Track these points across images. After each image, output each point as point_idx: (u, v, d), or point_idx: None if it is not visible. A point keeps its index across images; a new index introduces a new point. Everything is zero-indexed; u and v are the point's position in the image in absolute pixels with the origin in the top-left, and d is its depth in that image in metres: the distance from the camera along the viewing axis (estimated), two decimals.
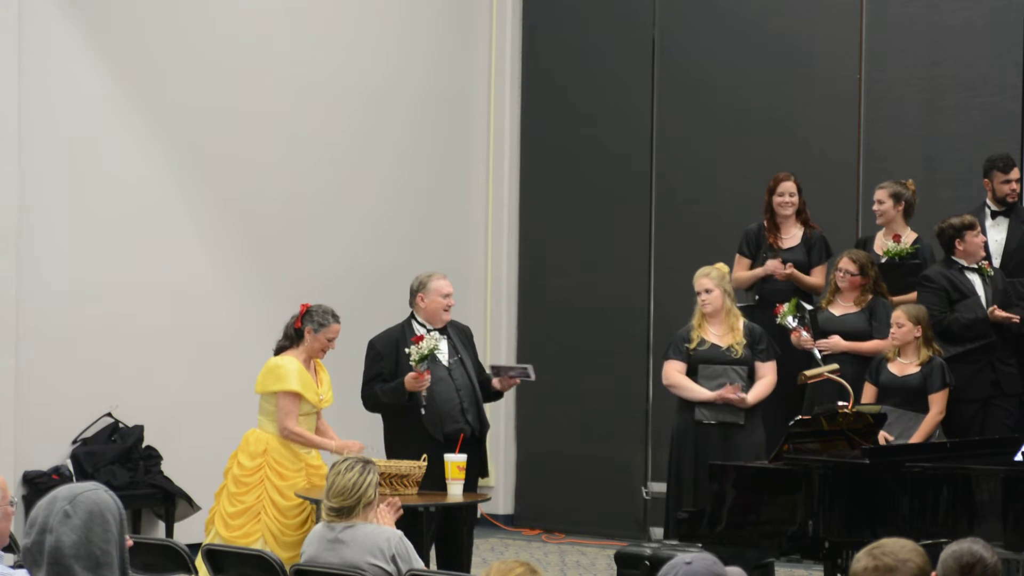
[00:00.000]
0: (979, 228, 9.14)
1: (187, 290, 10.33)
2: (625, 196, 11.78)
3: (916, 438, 8.56)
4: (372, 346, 8.45)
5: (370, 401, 8.44)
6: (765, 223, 9.76)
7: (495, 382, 8.53)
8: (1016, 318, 8.95)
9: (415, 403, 8.27)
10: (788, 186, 9.70)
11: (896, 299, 9.28)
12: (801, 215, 9.76)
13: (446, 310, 8.42)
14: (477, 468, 8.39)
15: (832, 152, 10.93)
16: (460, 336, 8.57)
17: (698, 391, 8.57)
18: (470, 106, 12.25)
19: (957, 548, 4.10)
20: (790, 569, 9.60)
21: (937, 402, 8.70)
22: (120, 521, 3.61)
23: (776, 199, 9.70)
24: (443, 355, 8.41)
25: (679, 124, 11.58)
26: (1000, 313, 8.94)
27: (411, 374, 8.17)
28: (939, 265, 9.20)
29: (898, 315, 8.79)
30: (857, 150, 10.84)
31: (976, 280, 9.11)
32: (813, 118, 11.06)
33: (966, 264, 9.11)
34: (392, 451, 8.40)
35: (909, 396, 8.69)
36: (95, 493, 3.58)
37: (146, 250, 10.12)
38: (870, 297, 9.17)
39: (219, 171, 10.57)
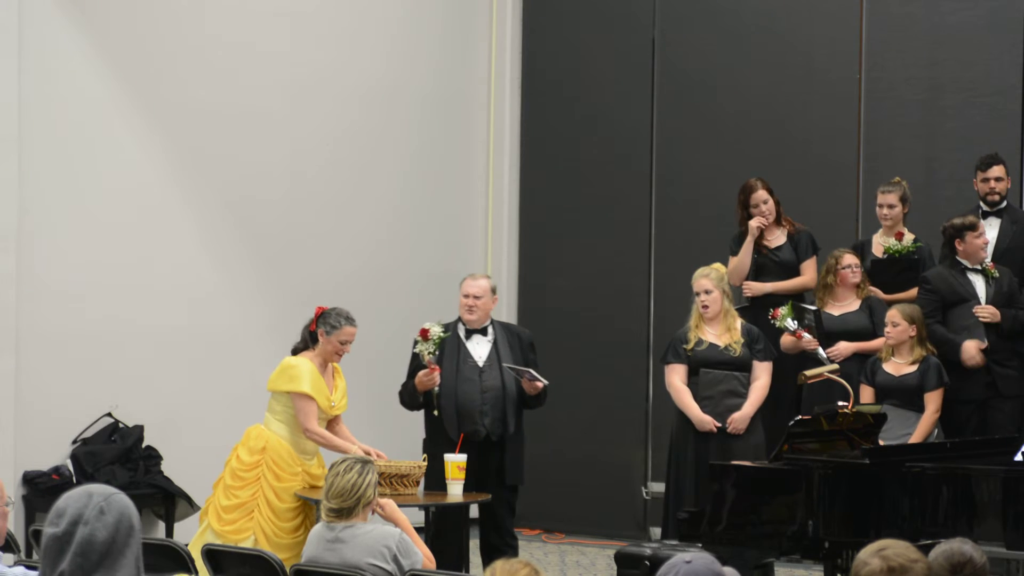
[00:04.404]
0: (981, 229, 9.12)
1: (187, 291, 10.32)
2: (625, 196, 11.78)
3: (915, 437, 8.58)
4: (415, 343, 8.51)
5: (399, 398, 8.57)
6: (743, 231, 9.72)
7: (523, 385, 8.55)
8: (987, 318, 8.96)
9: (431, 404, 8.32)
10: (760, 195, 9.67)
11: (890, 296, 9.27)
12: (779, 216, 9.72)
13: (468, 310, 8.50)
14: (495, 472, 8.43)
15: (832, 152, 10.92)
16: (510, 340, 8.61)
17: (693, 411, 8.57)
18: (470, 106, 12.25)
19: (947, 548, 4.12)
20: (790, 569, 9.60)
21: (933, 400, 8.71)
22: (139, 529, 3.76)
23: (754, 211, 9.66)
24: (480, 357, 8.46)
25: (679, 124, 11.57)
26: (981, 312, 8.94)
27: (420, 373, 8.26)
28: (942, 266, 9.19)
29: (893, 314, 8.80)
30: (857, 150, 10.83)
31: (978, 281, 9.08)
32: (813, 118, 11.06)
33: (969, 265, 9.10)
34: (425, 448, 8.49)
35: (908, 396, 8.70)
36: (124, 497, 3.74)
37: (146, 251, 10.12)
38: (864, 295, 9.20)
39: (219, 172, 10.56)
